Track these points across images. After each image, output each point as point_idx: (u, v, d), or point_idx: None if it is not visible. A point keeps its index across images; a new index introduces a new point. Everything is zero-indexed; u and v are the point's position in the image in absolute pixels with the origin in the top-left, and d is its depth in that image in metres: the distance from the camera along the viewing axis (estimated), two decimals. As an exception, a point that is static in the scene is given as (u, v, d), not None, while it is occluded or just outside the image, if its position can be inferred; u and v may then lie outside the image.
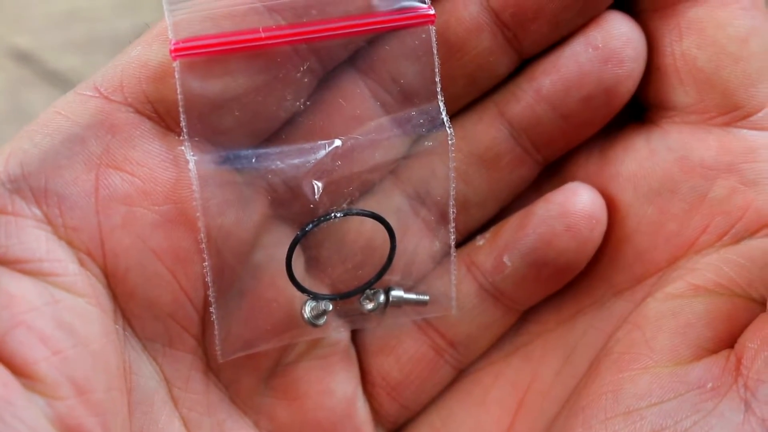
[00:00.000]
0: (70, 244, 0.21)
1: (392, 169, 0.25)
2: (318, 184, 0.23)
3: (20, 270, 0.20)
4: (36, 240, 0.21)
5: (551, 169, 0.27)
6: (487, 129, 0.25)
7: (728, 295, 0.24)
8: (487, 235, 0.26)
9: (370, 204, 0.25)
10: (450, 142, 0.23)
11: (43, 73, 0.43)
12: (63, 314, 0.20)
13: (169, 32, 0.22)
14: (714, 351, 0.23)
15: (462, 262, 0.26)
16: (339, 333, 0.26)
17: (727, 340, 0.23)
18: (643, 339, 0.24)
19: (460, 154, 0.25)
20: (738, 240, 0.25)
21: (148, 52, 0.22)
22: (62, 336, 0.20)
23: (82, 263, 0.21)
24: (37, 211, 0.21)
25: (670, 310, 0.24)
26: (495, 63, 0.25)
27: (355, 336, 0.27)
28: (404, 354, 0.26)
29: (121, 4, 0.44)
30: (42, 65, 0.43)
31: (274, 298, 0.24)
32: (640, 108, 0.26)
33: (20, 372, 0.19)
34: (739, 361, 0.22)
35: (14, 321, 0.19)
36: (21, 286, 0.20)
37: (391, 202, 0.25)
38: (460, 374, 0.27)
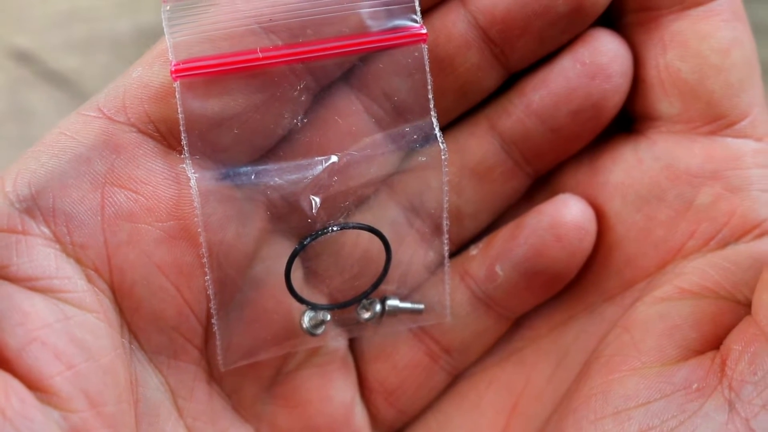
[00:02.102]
0: (78, 261, 0.23)
1: (387, 183, 0.27)
2: (316, 199, 0.25)
3: (31, 287, 0.22)
4: (46, 258, 0.22)
5: (542, 178, 0.28)
6: (479, 143, 0.27)
7: (714, 297, 0.25)
8: (480, 245, 0.28)
9: (366, 217, 0.26)
10: (443, 157, 0.25)
11: (43, 73, 0.43)
12: (74, 330, 0.22)
13: (170, 54, 0.23)
14: (700, 352, 0.24)
15: (456, 272, 0.28)
16: (337, 341, 0.28)
17: (713, 341, 0.24)
18: (631, 341, 0.25)
19: (453, 167, 0.27)
20: (724, 245, 0.26)
21: (149, 73, 0.24)
22: (75, 351, 0.22)
23: (90, 279, 0.23)
24: (46, 230, 0.23)
25: (657, 313, 0.26)
26: (483, 78, 0.26)
27: (353, 344, 0.28)
28: (400, 360, 0.28)
29: (121, 4, 0.44)
30: (42, 65, 0.44)
31: (274, 309, 0.26)
32: (627, 119, 0.28)
33: (36, 387, 0.21)
34: (724, 363, 0.23)
35: (29, 337, 0.21)
36: (33, 304, 0.22)
37: (386, 215, 0.27)
38: (455, 379, 0.29)
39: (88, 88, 0.44)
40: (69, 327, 0.22)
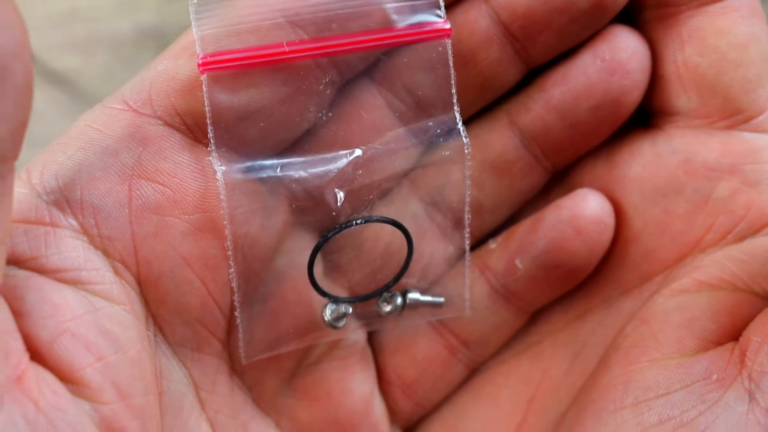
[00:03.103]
0: (105, 253, 0.23)
1: (409, 177, 0.27)
2: (340, 193, 0.25)
3: (60, 279, 0.22)
4: (74, 250, 0.23)
5: (560, 172, 0.29)
6: (499, 138, 0.28)
7: (732, 290, 0.26)
8: (500, 239, 0.29)
9: (388, 210, 0.27)
10: (466, 151, 0.26)
11: (43, 73, 0.44)
12: (103, 321, 0.22)
13: (197, 47, 0.24)
14: (719, 343, 0.25)
15: (475, 265, 0.29)
16: (357, 334, 0.28)
17: (732, 333, 0.25)
18: (650, 333, 0.26)
19: (474, 161, 0.27)
20: (741, 238, 0.27)
21: (175, 66, 0.24)
22: (104, 343, 0.22)
23: (117, 271, 0.23)
24: (74, 222, 0.23)
25: (675, 305, 0.26)
26: (504, 73, 0.27)
27: (371, 337, 0.29)
28: (419, 353, 0.29)
29: (121, 4, 0.44)
30: (42, 65, 0.44)
31: (296, 302, 0.27)
32: (645, 113, 0.29)
33: (67, 378, 0.21)
34: (743, 354, 0.24)
35: (59, 329, 0.21)
36: (63, 295, 0.22)
37: (408, 209, 0.27)
38: (472, 373, 0.30)
39: (88, 88, 0.44)
40: (98, 318, 0.22)
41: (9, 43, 0.18)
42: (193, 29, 0.24)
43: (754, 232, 0.27)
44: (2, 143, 0.18)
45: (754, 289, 0.26)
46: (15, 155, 0.19)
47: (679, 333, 0.25)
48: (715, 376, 0.24)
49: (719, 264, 0.27)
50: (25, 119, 0.19)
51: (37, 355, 0.21)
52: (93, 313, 0.22)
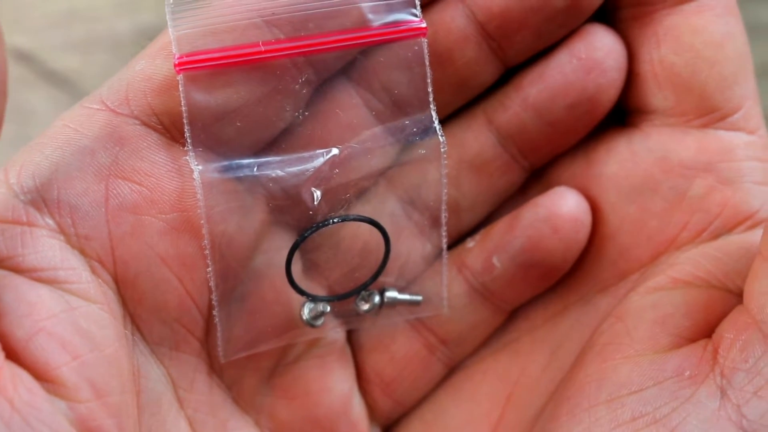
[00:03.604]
0: (82, 252, 0.24)
1: (386, 175, 0.27)
2: (317, 192, 0.26)
3: (36, 278, 0.23)
4: (50, 249, 0.23)
5: (537, 170, 0.29)
6: (476, 136, 0.28)
7: (706, 287, 0.26)
8: (477, 237, 0.29)
9: (365, 209, 0.27)
10: (442, 150, 0.26)
11: (43, 73, 0.44)
12: (80, 320, 0.23)
13: (173, 47, 0.24)
14: (692, 340, 0.25)
15: (453, 264, 0.29)
16: (336, 333, 0.28)
17: (705, 329, 0.25)
18: (624, 330, 0.26)
19: (451, 160, 0.28)
20: (716, 236, 0.27)
21: (152, 66, 0.24)
22: (80, 341, 0.22)
23: (94, 271, 0.24)
24: (51, 221, 0.23)
25: (650, 302, 0.27)
26: (480, 72, 0.27)
27: (351, 335, 0.29)
28: (398, 352, 0.29)
29: (121, 4, 0.45)
30: (42, 65, 0.44)
31: (274, 301, 0.27)
32: (621, 112, 0.29)
33: (43, 377, 0.21)
34: (716, 350, 0.24)
35: (35, 328, 0.22)
36: (39, 294, 0.22)
37: (385, 207, 0.28)
38: (451, 371, 0.30)
39: (88, 88, 0.44)
40: (74, 317, 0.23)
41: None
42: (169, 29, 0.24)
43: (728, 229, 0.27)
44: None
45: (728, 286, 0.26)
46: None
47: (653, 330, 0.26)
48: (688, 372, 0.24)
49: (694, 261, 0.27)
50: None
51: (12, 353, 0.22)
52: (69, 312, 0.22)
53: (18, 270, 0.23)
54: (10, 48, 0.44)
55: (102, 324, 0.23)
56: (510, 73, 0.28)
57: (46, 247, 0.23)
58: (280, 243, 0.27)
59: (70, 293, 0.23)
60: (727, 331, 0.24)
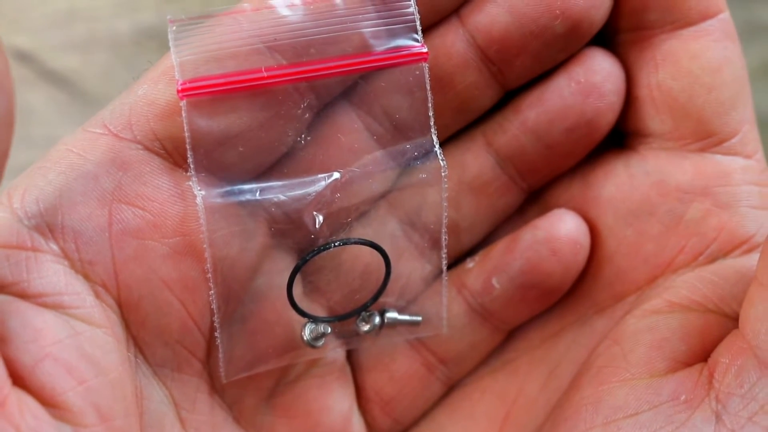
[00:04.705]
0: (86, 277, 0.24)
1: (387, 198, 0.28)
2: (319, 216, 0.26)
3: (41, 303, 0.23)
4: (55, 274, 0.23)
5: (536, 192, 0.30)
6: (475, 158, 0.29)
7: (702, 311, 0.27)
8: (477, 258, 0.29)
9: (366, 231, 0.28)
10: (443, 174, 0.27)
11: (43, 73, 0.44)
12: (84, 345, 0.23)
13: (176, 73, 0.24)
14: (688, 364, 0.26)
15: (452, 284, 0.29)
16: (336, 353, 0.29)
17: (701, 354, 0.26)
18: (621, 353, 0.27)
19: (450, 182, 0.28)
20: (712, 260, 0.28)
21: (155, 91, 0.25)
22: (86, 366, 0.23)
23: (97, 295, 0.24)
24: (55, 246, 0.24)
25: (647, 325, 0.27)
26: (480, 95, 0.28)
27: (350, 354, 0.30)
28: (397, 371, 0.30)
29: (121, 4, 0.44)
30: (42, 65, 0.45)
31: (276, 322, 0.27)
32: (619, 135, 0.29)
33: (49, 402, 0.22)
34: (711, 375, 0.25)
35: (41, 354, 0.22)
36: (45, 320, 0.23)
37: (385, 230, 0.28)
38: (449, 389, 0.31)
39: (88, 88, 0.44)
40: (79, 342, 0.23)
41: None
42: (172, 55, 0.25)
43: (724, 254, 0.28)
44: None
45: (724, 310, 0.27)
46: None
47: (649, 353, 0.26)
48: (684, 396, 0.25)
49: (690, 285, 0.27)
50: (5, 150, 0.20)
51: (19, 379, 0.22)
52: (74, 337, 0.23)
53: (23, 296, 0.23)
54: (10, 48, 0.45)
55: (106, 348, 0.24)
56: (509, 96, 0.29)
57: (51, 273, 0.23)
58: (282, 265, 0.27)
59: (74, 318, 0.23)
60: (722, 355, 0.25)
